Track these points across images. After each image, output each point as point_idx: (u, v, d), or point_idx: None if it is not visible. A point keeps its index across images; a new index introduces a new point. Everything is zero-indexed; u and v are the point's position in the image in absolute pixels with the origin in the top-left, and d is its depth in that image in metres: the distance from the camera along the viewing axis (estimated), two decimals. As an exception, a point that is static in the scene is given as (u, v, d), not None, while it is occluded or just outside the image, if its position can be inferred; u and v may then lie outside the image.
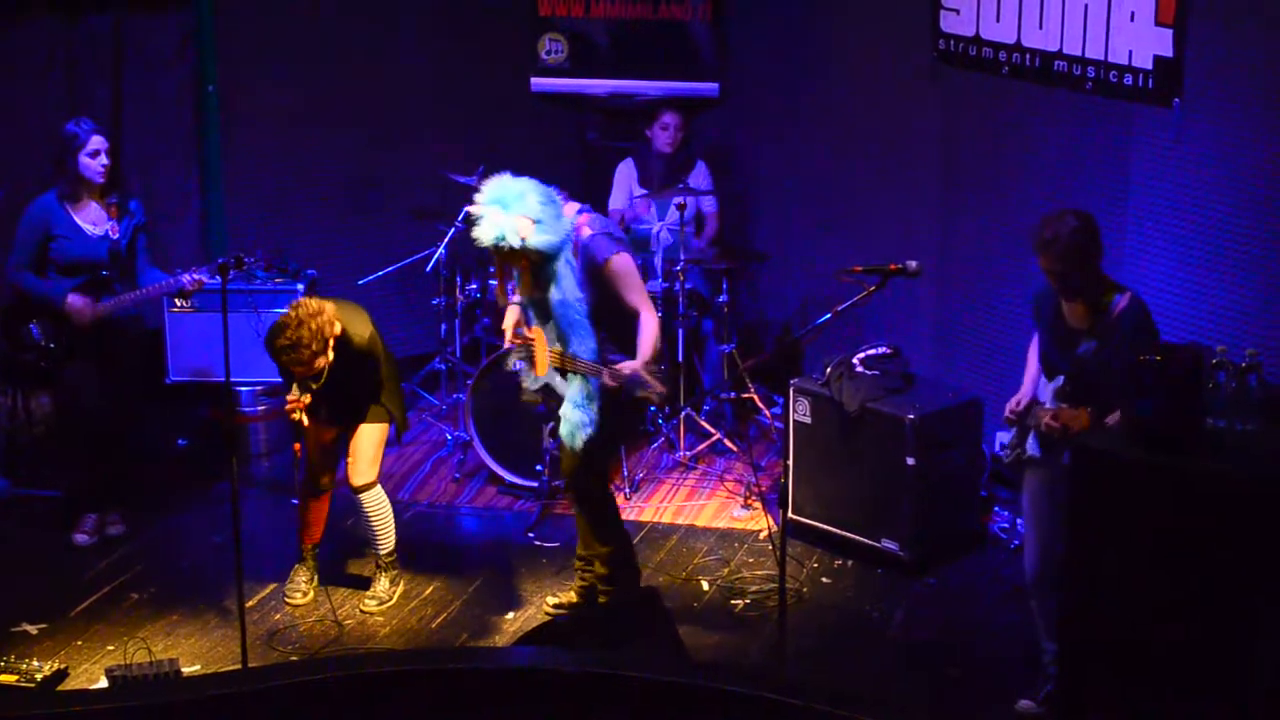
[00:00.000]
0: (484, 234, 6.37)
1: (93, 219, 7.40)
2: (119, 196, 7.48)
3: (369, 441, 6.98)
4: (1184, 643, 5.38)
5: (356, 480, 6.98)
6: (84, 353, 7.40)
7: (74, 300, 7.32)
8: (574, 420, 6.58)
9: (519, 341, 6.78)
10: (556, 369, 6.66)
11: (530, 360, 6.76)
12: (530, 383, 6.84)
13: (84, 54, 8.67)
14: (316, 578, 7.20)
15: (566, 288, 6.53)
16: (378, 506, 7.05)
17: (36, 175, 8.54)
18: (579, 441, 6.57)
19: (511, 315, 6.89)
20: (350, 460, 6.98)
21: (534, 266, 6.47)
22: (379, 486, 7.04)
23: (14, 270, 7.41)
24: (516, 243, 6.35)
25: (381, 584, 7.14)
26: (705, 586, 7.32)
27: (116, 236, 7.42)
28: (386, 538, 7.12)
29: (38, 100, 8.59)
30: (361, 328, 6.83)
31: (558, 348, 6.60)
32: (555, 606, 7.12)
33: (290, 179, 9.22)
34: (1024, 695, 6.32)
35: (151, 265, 7.59)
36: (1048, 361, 6.15)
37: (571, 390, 6.60)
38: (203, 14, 8.87)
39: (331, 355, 6.70)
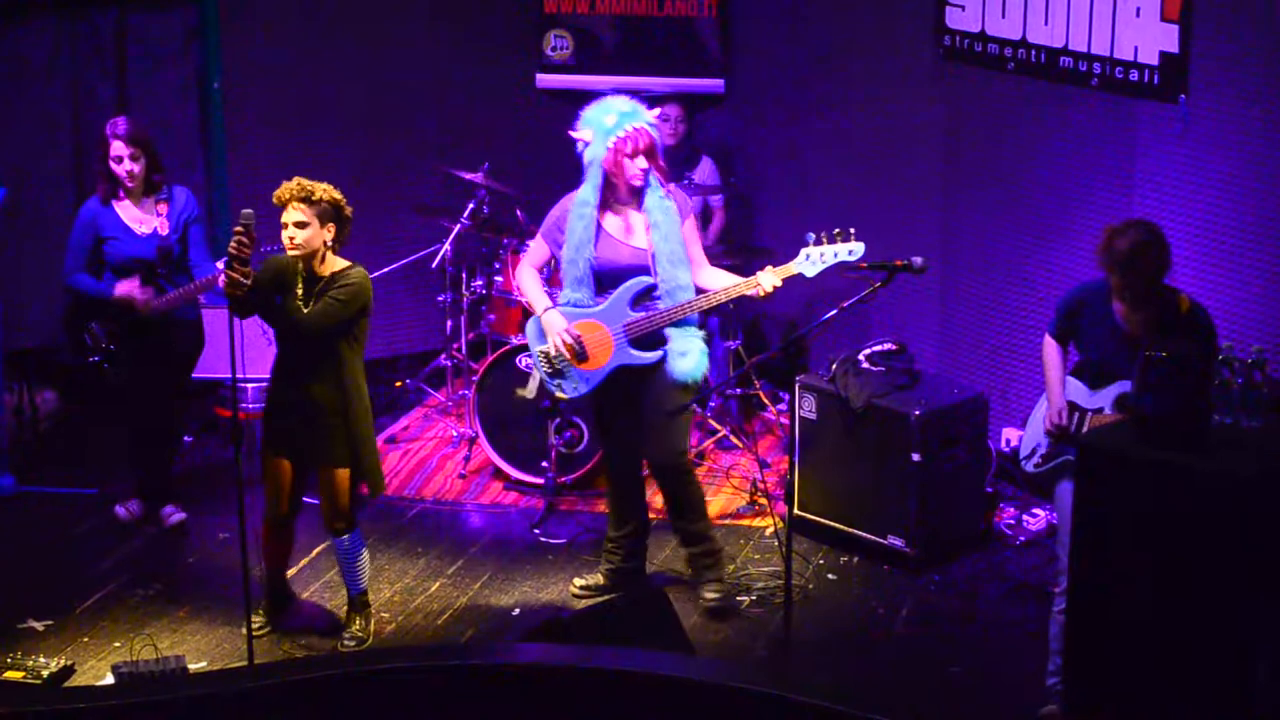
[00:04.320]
0: (621, 105, 6.69)
1: (140, 217, 7.39)
2: (167, 191, 7.46)
3: (342, 485, 6.65)
4: (1189, 640, 5.37)
5: (335, 524, 6.69)
6: (141, 354, 7.41)
7: (121, 286, 7.31)
8: (696, 349, 6.74)
9: (567, 344, 6.78)
10: (630, 342, 6.73)
11: (580, 359, 6.79)
12: (573, 388, 6.87)
13: (88, 51, 8.66)
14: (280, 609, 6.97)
15: (667, 222, 6.69)
16: (355, 549, 6.78)
17: (40, 174, 8.58)
18: (700, 370, 6.74)
19: (556, 321, 6.84)
20: (324, 505, 6.67)
21: (639, 180, 6.67)
22: (358, 528, 6.77)
23: (68, 275, 7.41)
24: (649, 118, 6.69)
25: (357, 624, 6.84)
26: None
27: (166, 233, 7.41)
28: (362, 578, 6.83)
29: (41, 98, 8.59)
30: (365, 285, 6.58)
31: (637, 317, 6.71)
32: (582, 588, 7.18)
33: (295, 175, 9.20)
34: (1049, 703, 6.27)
35: (209, 259, 7.53)
36: (1101, 370, 6.09)
37: (676, 331, 6.74)
38: (207, 10, 8.87)
39: (331, 245, 6.51)
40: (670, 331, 6.77)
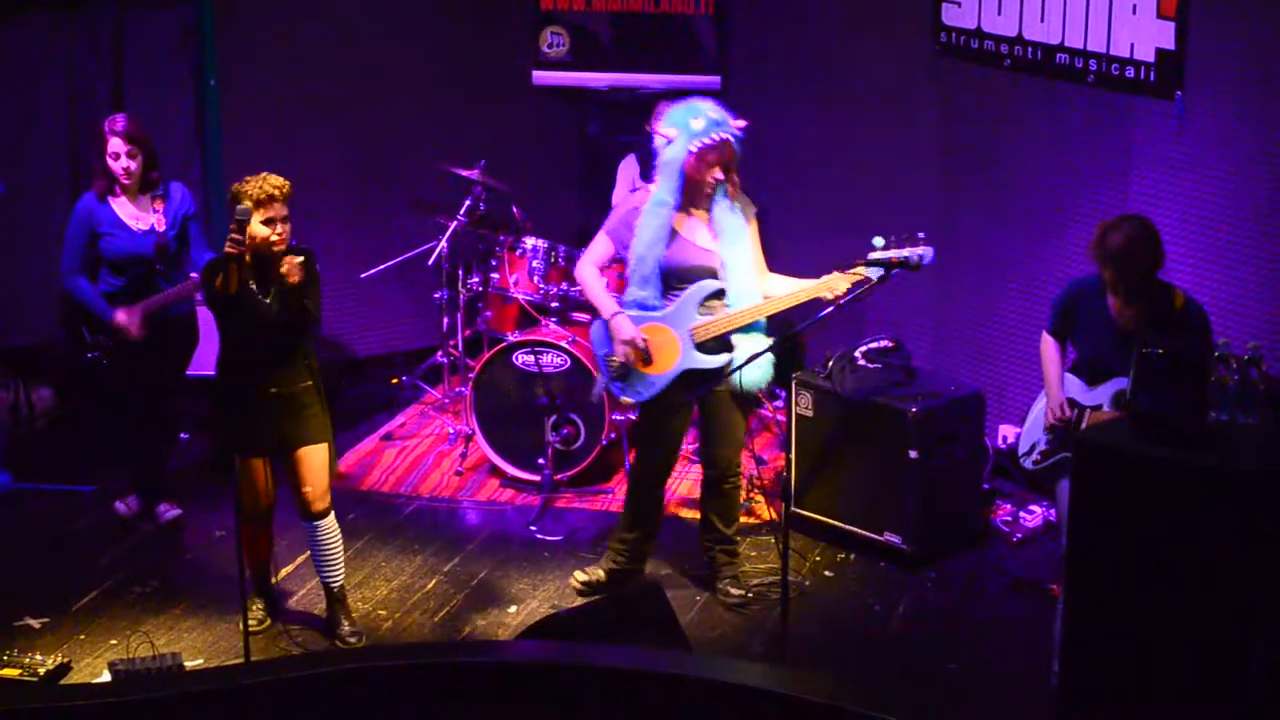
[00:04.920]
0: (710, 112, 6.55)
1: (136, 214, 7.38)
2: (164, 188, 7.45)
3: (322, 461, 6.67)
4: (1186, 637, 5.37)
5: (319, 505, 6.66)
6: (140, 351, 7.40)
7: (120, 318, 7.31)
8: (765, 357, 6.65)
9: (634, 350, 6.69)
10: (696, 346, 6.67)
11: (645, 363, 6.71)
12: (635, 391, 6.78)
13: (84, 48, 8.66)
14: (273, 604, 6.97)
15: (735, 228, 6.63)
16: (334, 533, 6.75)
17: (36, 170, 8.57)
18: (766, 378, 6.68)
19: (625, 326, 6.74)
20: (307, 487, 6.64)
21: (711, 188, 6.61)
22: (333, 511, 6.76)
23: (67, 275, 7.38)
24: (734, 129, 6.57)
25: (345, 623, 6.82)
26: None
27: (163, 229, 7.40)
28: (341, 565, 6.82)
29: (38, 95, 8.59)
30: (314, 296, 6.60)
31: (704, 321, 6.63)
32: (584, 583, 7.15)
33: (291, 172, 9.15)
34: None
35: (207, 251, 7.52)
36: (1097, 365, 6.09)
37: (743, 338, 6.67)
38: (203, 6, 8.87)
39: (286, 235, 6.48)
40: (737, 338, 6.72)
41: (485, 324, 8.65)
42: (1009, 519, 7.70)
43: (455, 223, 8.58)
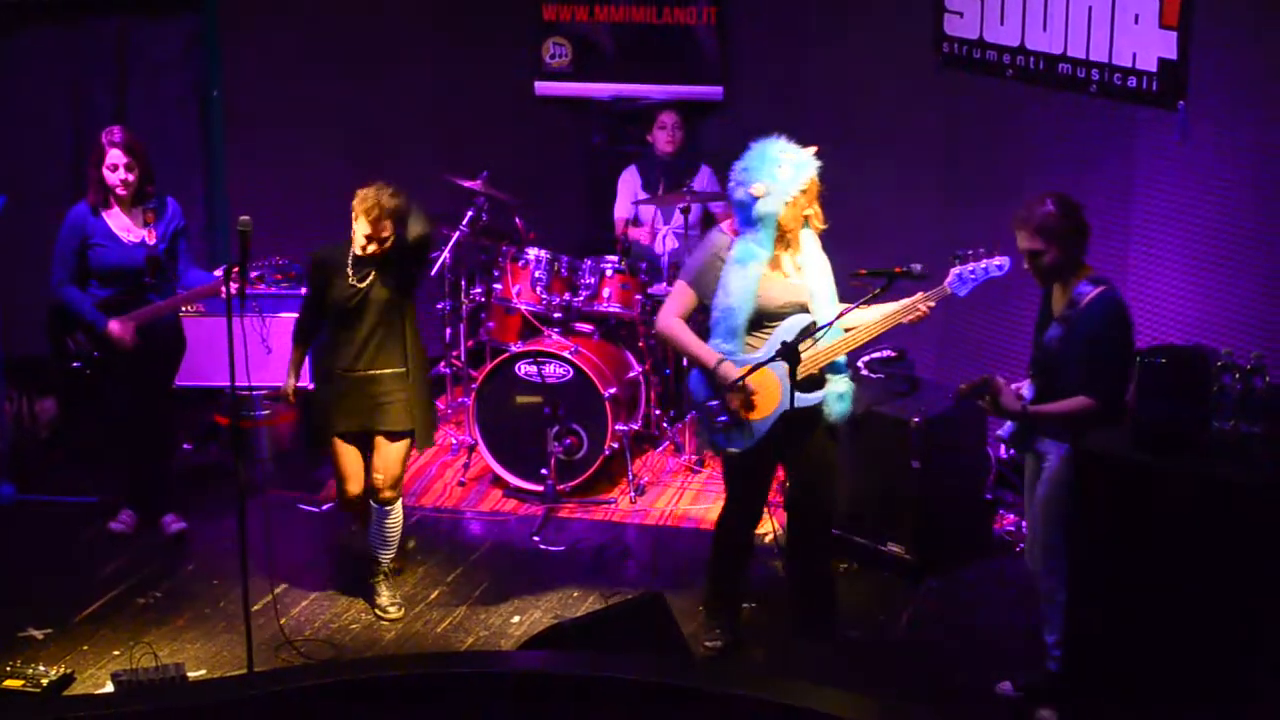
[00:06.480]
0: (790, 156, 6.32)
1: (128, 226, 7.38)
2: (157, 202, 7.46)
3: (399, 455, 6.94)
4: (1187, 645, 5.37)
5: (385, 494, 6.96)
6: (126, 360, 7.41)
7: (114, 328, 7.32)
8: (849, 391, 6.51)
9: (739, 401, 6.36)
10: (794, 385, 6.27)
11: (748, 409, 6.39)
12: (739, 440, 6.44)
13: (88, 60, 8.69)
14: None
15: (819, 258, 6.48)
16: (398, 516, 7.07)
17: (40, 182, 8.59)
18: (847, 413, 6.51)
19: (732, 374, 6.34)
20: (378, 475, 6.93)
21: (799, 224, 6.41)
22: (400, 500, 7.08)
23: (58, 286, 7.39)
24: (816, 163, 6.34)
25: (385, 593, 7.12)
26: (710, 590, 7.31)
27: (154, 242, 7.41)
28: (395, 546, 7.13)
29: (42, 107, 8.61)
30: (419, 225, 6.86)
31: (811, 357, 6.37)
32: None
33: (294, 183, 9.23)
34: (1006, 678, 6.35)
35: (194, 266, 7.57)
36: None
37: (829, 372, 6.47)
38: (207, 19, 8.89)
39: (387, 237, 6.77)
40: (828, 374, 6.46)
41: (488, 334, 8.66)
42: (1011, 529, 7.70)
43: (458, 233, 8.59)
